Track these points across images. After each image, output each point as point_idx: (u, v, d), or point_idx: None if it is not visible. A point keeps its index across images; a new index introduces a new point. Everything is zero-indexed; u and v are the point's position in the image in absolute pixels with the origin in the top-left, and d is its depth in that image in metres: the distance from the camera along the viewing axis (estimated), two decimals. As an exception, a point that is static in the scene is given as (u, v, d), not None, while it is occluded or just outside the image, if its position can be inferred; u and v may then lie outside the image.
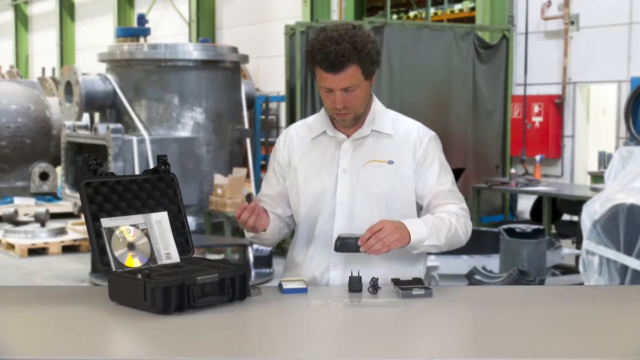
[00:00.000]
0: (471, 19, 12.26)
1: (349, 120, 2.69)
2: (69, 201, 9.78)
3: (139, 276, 2.40)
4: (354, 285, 2.61)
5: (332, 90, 2.60)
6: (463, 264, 6.34)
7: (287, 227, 2.88)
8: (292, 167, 2.80)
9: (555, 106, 10.45)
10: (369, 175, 2.72)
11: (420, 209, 2.80)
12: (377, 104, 2.79)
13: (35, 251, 9.17)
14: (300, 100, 8.63)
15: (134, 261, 2.52)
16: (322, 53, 2.55)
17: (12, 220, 10.09)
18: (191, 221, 8.74)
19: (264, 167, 9.85)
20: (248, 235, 2.76)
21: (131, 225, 2.57)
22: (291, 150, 2.81)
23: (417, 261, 2.80)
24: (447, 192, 2.76)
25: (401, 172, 2.73)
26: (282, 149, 2.84)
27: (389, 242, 2.52)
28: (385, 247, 2.52)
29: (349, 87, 2.59)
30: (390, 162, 2.73)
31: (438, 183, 2.75)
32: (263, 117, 11.27)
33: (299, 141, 2.82)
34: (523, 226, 6.46)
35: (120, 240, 2.53)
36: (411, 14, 14.88)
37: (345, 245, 2.57)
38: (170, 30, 17.81)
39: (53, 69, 18.43)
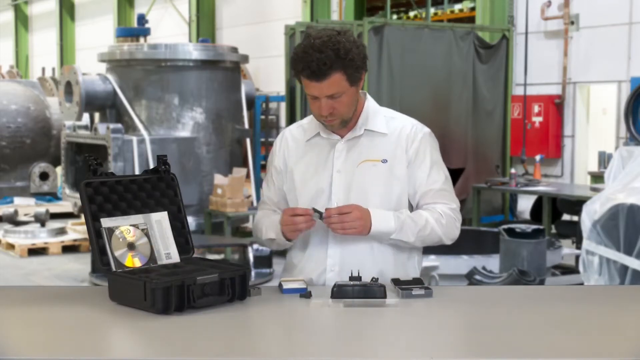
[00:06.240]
0: (471, 19, 12.26)
1: (336, 125, 2.70)
2: (69, 201, 9.78)
3: (139, 276, 2.40)
4: (354, 285, 2.61)
5: (317, 98, 2.60)
6: (463, 264, 6.34)
7: None
8: (289, 170, 2.81)
9: (555, 106, 10.45)
10: (363, 175, 2.72)
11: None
12: (370, 103, 2.78)
13: (35, 251, 9.16)
14: (300, 100, 8.63)
15: (134, 261, 2.52)
16: (304, 62, 2.54)
17: (12, 220, 10.08)
18: (191, 221, 8.74)
19: (263, 167, 9.85)
20: (280, 242, 2.76)
21: (131, 225, 2.57)
22: (287, 153, 2.83)
23: (411, 257, 2.81)
24: (437, 192, 2.75)
25: (395, 170, 2.73)
26: (277, 152, 2.86)
27: (348, 227, 2.59)
28: (343, 231, 2.60)
29: (333, 95, 2.59)
30: (384, 161, 2.73)
31: (428, 181, 2.74)
32: (263, 117, 11.28)
33: (294, 143, 2.83)
34: (523, 226, 6.45)
35: (120, 240, 2.53)
36: (411, 14, 14.88)
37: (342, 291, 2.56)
38: (170, 30, 17.82)
39: (53, 69, 18.43)
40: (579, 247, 6.75)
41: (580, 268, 5.50)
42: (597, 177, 8.48)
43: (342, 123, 2.69)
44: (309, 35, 2.59)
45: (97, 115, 10.04)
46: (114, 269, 2.49)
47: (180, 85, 9.30)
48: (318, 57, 2.52)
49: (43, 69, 18.05)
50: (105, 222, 2.54)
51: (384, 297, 2.52)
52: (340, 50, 2.54)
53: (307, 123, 2.84)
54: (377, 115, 2.77)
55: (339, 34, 2.58)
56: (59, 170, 11.34)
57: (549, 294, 2.79)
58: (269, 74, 14.34)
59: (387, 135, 2.75)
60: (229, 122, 9.62)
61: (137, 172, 8.42)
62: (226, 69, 9.68)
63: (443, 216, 2.71)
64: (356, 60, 2.57)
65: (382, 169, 2.72)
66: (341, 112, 2.64)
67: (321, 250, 2.75)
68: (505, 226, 6.47)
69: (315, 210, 2.63)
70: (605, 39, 9.99)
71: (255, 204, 8.83)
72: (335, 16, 13.79)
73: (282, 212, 2.72)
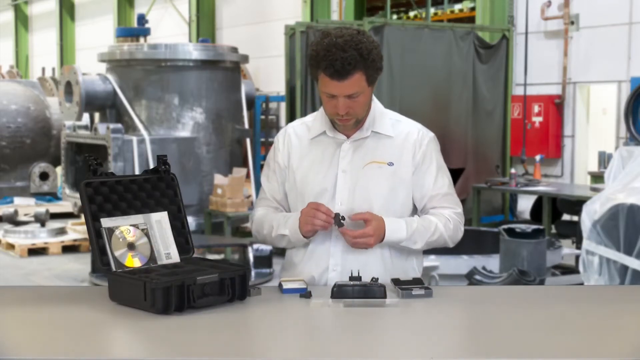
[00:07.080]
0: (471, 19, 12.26)
1: (350, 125, 2.70)
2: (69, 201, 9.78)
3: (139, 276, 2.40)
4: (354, 285, 2.61)
5: (334, 96, 2.60)
6: (463, 264, 6.34)
7: None
8: (291, 167, 2.80)
9: (555, 106, 10.45)
10: (369, 177, 2.72)
11: (417, 211, 2.82)
12: (377, 105, 2.78)
13: (35, 251, 9.17)
14: (300, 100, 8.63)
15: (134, 261, 2.52)
16: (327, 60, 2.53)
17: (12, 220, 10.08)
18: (191, 221, 8.74)
19: (263, 167, 9.83)
20: (295, 241, 2.75)
21: (131, 225, 2.57)
22: (290, 150, 2.81)
23: (412, 258, 2.82)
24: (443, 196, 2.77)
25: (401, 173, 2.74)
26: (281, 149, 2.83)
27: (362, 244, 2.62)
28: (356, 246, 2.64)
29: (352, 94, 2.59)
30: (390, 164, 2.73)
31: (435, 186, 2.76)
32: (263, 117, 11.28)
33: (298, 141, 2.81)
34: (523, 226, 6.45)
35: (120, 240, 2.53)
36: (411, 14, 14.88)
37: (342, 291, 2.56)
38: (170, 30, 17.82)
39: (53, 69, 18.43)
40: (579, 247, 6.75)
41: (580, 268, 5.50)
42: (597, 177, 8.48)
43: (356, 123, 2.69)
44: (329, 33, 2.58)
45: (97, 115, 10.04)
46: (114, 269, 2.49)
47: (180, 85, 9.31)
48: (342, 56, 2.51)
49: (43, 69, 18.05)
50: (105, 222, 2.54)
51: (384, 297, 2.53)
52: (363, 50, 2.54)
53: (311, 121, 2.83)
54: (383, 117, 2.77)
55: (359, 33, 2.59)
56: (59, 170, 11.34)
57: (549, 294, 2.79)
58: (269, 74, 14.34)
59: (393, 138, 2.75)
60: (229, 122, 9.62)
61: (137, 172, 8.42)
62: (226, 69, 9.68)
63: (450, 221, 2.74)
64: (376, 61, 2.59)
65: (388, 171, 2.72)
66: (357, 112, 2.65)
67: (323, 248, 2.74)
68: (505, 226, 6.47)
69: (337, 218, 2.61)
70: (605, 39, 9.99)
71: (255, 204, 8.81)
72: (335, 16, 13.79)
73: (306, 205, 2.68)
